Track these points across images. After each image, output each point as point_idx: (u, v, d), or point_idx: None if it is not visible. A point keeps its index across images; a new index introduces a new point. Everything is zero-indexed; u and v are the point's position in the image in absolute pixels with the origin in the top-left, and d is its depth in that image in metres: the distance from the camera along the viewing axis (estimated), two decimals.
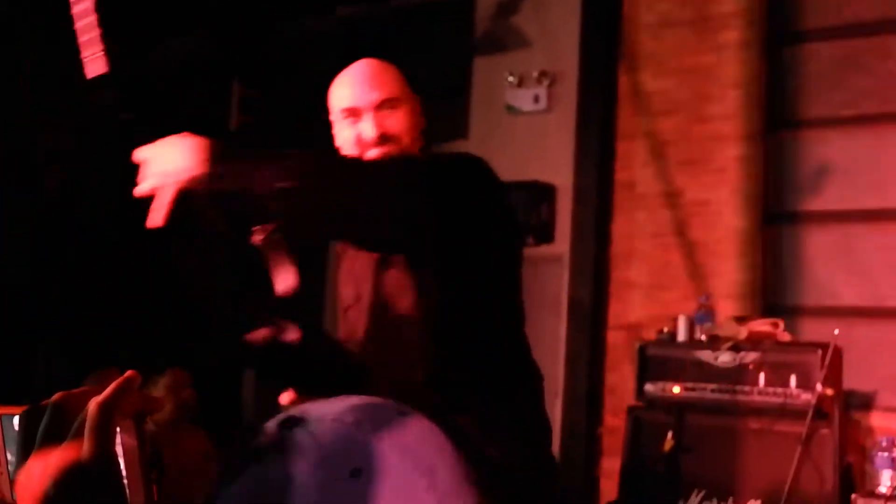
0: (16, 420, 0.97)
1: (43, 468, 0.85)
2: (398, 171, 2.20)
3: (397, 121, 2.28)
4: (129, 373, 0.89)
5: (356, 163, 2.26)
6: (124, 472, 0.87)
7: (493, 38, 6.42)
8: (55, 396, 0.88)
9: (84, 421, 0.85)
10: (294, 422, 0.86)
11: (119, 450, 0.87)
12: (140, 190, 1.95)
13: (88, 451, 0.83)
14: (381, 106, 2.26)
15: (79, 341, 5.81)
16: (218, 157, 1.93)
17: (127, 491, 0.86)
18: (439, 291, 2.27)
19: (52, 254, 6.93)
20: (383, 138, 2.27)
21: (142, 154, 1.95)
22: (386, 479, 0.81)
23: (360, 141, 2.29)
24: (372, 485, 0.81)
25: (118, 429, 0.87)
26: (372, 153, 2.27)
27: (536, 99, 6.28)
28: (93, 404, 0.86)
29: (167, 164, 1.92)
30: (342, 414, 0.85)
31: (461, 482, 0.84)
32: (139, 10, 6.51)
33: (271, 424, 0.88)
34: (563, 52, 6.28)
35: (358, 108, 2.30)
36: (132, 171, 2.08)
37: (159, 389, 4.63)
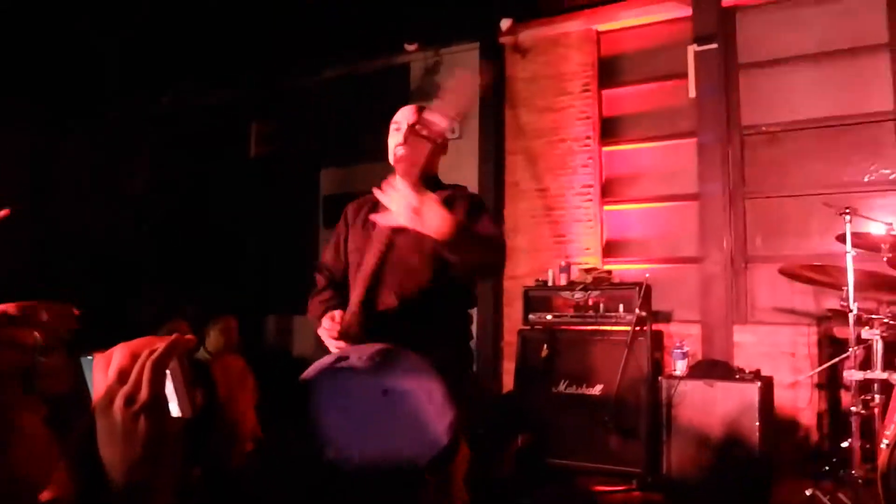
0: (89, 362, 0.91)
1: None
2: (501, 242, 2.29)
3: (418, 141, 2.17)
4: (174, 336, 0.92)
5: (488, 238, 2.27)
6: (174, 389, 0.89)
7: (422, 91, 6.67)
8: (119, 346, 0.89)
9: (143, 368, 0.87)
10: (341, 359, 0.92)
11: (170, 376, 0.89)
12: (385, 220, 1.94)
13: (146, 395, 0.87)
14: (412, 128, 2.21)
15: (163, 296, 5.85)
16: (455, 235, 1.92)
17: (178, 404, 0.89)
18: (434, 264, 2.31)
19: (153, 228, 6.77)
20: (400, 147, 2.35)
21: (403, 194, 1.87)
22: (404, 397, 0.90)
23: (395, 145, 2.38)
24: (397, 400, 0.89)
25: (170, 365, 0.88)
26: (398, 151, 2.37)
27: (453, 131, 6.05)
28: (149, 362, 0.88)
29: (429, 217, 1.89)
30: (373, 355, 0.93)
31: (446, 399, 0.93)
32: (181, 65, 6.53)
33: (326, 361, 0.92)
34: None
35: (399, 122, 2.43)
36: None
37: (215, 330, 4.89)
